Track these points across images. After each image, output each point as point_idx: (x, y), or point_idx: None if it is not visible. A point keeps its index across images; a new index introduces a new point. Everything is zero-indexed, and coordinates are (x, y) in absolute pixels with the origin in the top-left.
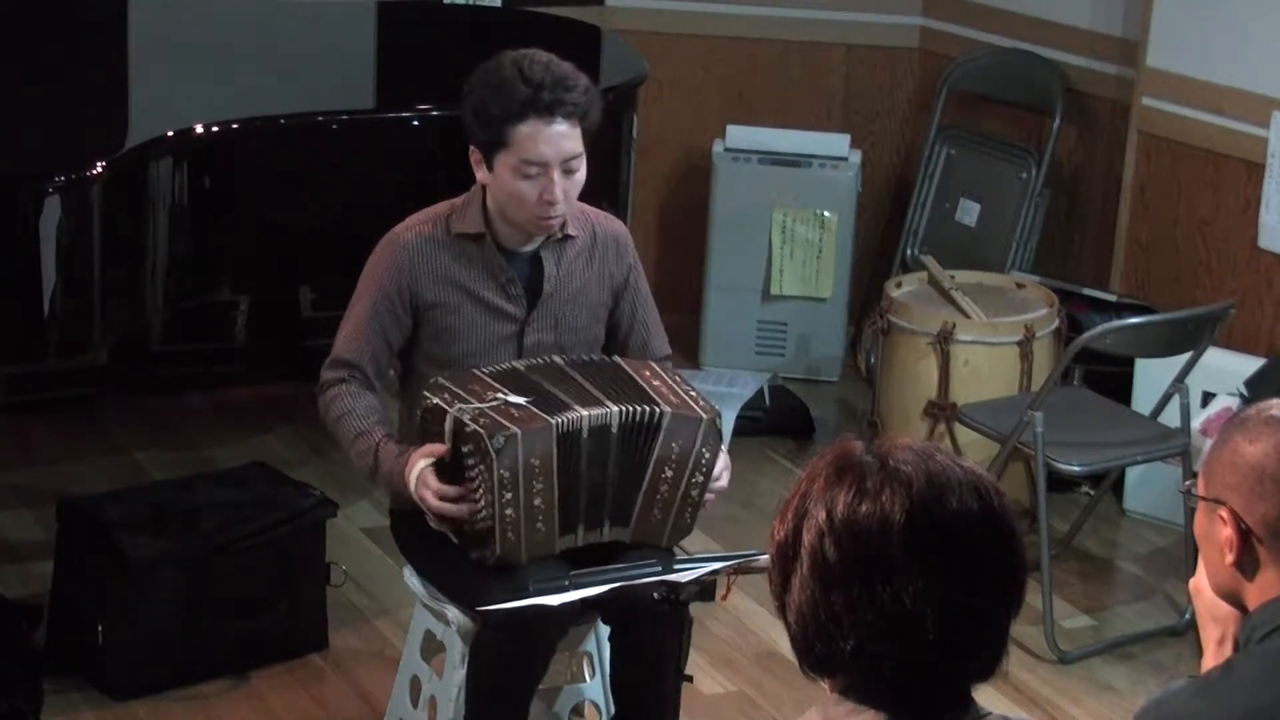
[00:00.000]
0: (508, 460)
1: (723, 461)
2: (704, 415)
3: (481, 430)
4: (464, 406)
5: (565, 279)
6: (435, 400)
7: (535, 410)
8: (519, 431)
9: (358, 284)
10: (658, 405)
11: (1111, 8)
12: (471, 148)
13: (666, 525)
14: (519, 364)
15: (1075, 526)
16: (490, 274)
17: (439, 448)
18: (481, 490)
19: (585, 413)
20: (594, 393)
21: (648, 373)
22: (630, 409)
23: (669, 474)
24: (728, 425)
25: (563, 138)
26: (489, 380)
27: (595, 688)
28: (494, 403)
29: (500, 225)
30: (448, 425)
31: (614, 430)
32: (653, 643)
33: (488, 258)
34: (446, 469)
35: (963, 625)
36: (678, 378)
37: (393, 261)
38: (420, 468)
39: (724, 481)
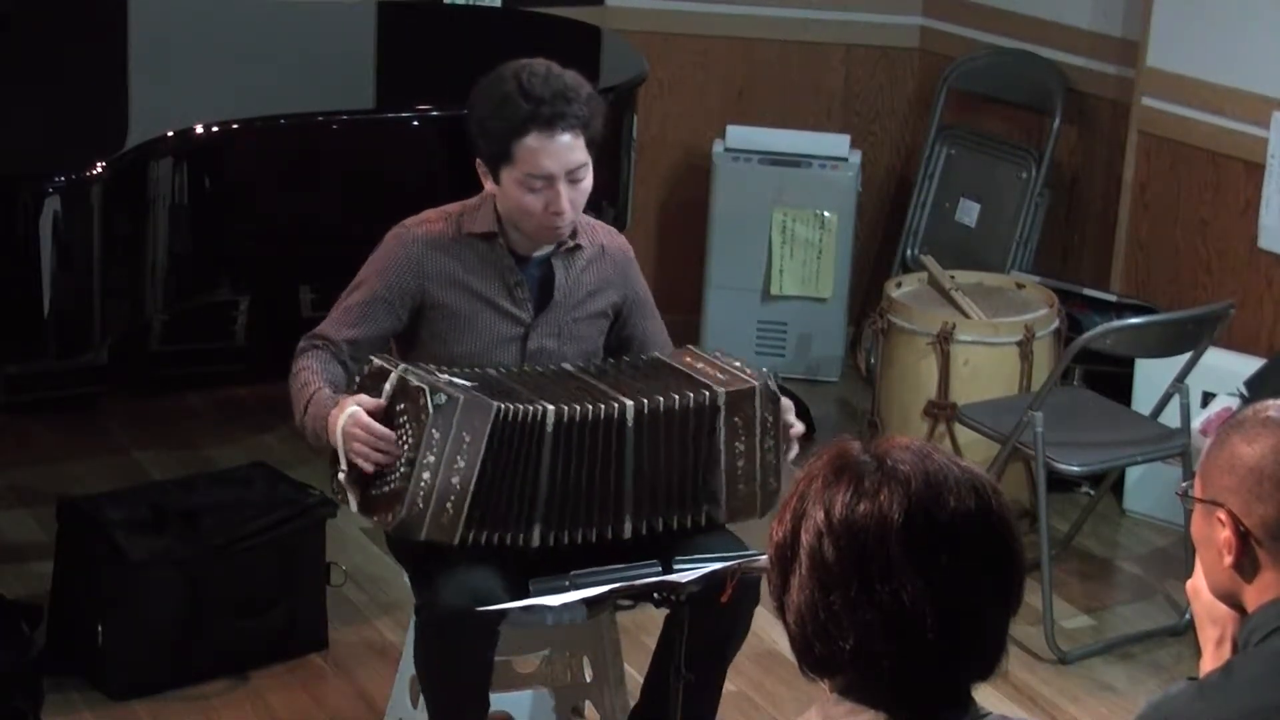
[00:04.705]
0: (442, 421)
1: (797, 425)
2: (755, 382)
3: (424, 387)
4: (410, 369)
5: (573, 288)
6: (379, 363)
7: (478, 393)
8: (461, 397)
9: (361, 269)
10: (711, 387)
11: (1111, 8)
12: (477, 160)
13: (755, 495)
14: (493, 370)
15: (1075, 526)
16: (499, 275)
17: (378, 405)
18: (406, 448)
19: (549, 407)
20: (604, 388)
21: (689, 358)
22: (673, 399)
23: (741, 448)
24: None
25: (567, 149)
26: (438, 368)
27: (618, 687)
28: (440, 378)
29: (511, 230)
30: (388, 384)
31: (629, 424)
32: (718, 624)
33: (499, 259)
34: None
35: (962, 625)
36: (718, 353)
37: (401, 256)
38: (352, 409)
39: (798, 426)
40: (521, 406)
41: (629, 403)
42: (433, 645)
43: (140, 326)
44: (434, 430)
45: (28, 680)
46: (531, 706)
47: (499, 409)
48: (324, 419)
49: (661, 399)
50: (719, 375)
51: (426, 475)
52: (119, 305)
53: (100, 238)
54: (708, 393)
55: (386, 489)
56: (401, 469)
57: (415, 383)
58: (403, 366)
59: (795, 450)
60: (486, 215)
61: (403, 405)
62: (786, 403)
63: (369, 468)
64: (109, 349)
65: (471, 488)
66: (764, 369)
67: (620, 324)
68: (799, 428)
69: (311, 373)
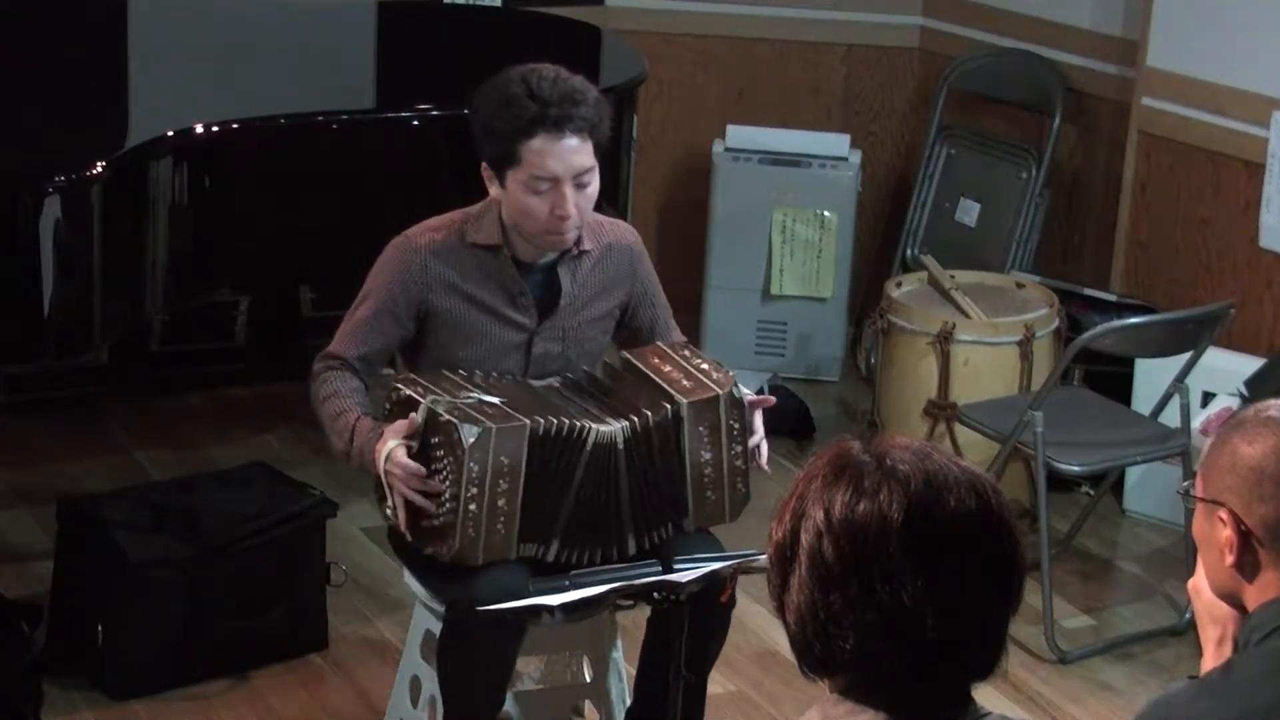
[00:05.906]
0: (478, 454)
1: (759, 432)
2: (719, 390)
3: (455, 421)
4: (437, 398)
5: (579, 293)
6: (407, 392)
7: (509, 410)
8: (494, 427)
9: (365, 283)
10: (674, 397)
11: (1111, 8)
12: (483, 163)
13: (724, 502)
14: (497, 375)
15: (1075, 526)
16: (502, 286)
17: (412, 426)
18: (448, 484)
19: (568, 421)
20: (590, 409)
21: (656, 358)
22: (639, 419)
23: (707, 456)
24: None
25: (573, 152)
26: (460, 381)
27: (618, 686)
28: (468, 400)
29: (516, 238)
30: (420, 415)
31: (620, 445)
32: (701, 624)
33: (502, 269)
34: (413, 460)
35: (962, 624)
36: (686, 352)
37: (404, 267)
38: (391, 446)
39: (764, 452)
40: (546, 419)
41: (619, 425)
42: (462, 641)
43: (140, 326)
44: (472, 464)
45: (28, 680)
46: (532, 707)
47: (533, 426)
48: (370, 451)
49: (625, 422)
50: (684, 383)
51: (473, 507)
52: (119, 305)
53: (100, 238)
54: (668, 405)
55: (436, 522)
56: (448, 503)
57: (445, 416)
58: (431, 397)
59: (764, 456)
60: (490, 224)
61: (437, 439)
62: (759, 426)
63: (409, 511)
64: (109, 349)
65: (519, 504)
66: (730, 373)
67: (629, 317)
68: (759, 435)
69: (340, 398)
